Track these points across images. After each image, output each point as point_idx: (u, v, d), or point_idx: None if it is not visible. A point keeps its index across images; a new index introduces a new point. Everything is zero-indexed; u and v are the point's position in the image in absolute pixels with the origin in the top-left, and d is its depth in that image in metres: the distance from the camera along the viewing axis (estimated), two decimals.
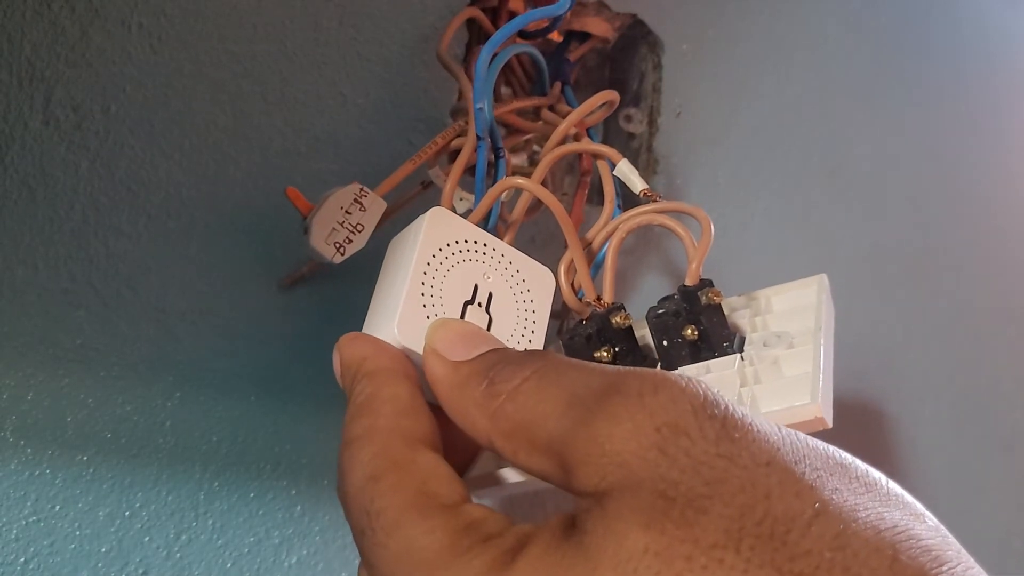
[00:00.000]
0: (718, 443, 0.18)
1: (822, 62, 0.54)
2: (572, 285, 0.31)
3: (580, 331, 0.30)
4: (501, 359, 0.23)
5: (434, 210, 0.28)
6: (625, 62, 0.48)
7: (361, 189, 0.31)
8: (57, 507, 0.31)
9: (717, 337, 0.30)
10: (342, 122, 0.38)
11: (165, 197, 0.34)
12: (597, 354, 0.30)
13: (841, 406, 0.53)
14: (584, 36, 0.45)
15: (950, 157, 0.60)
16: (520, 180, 0.29)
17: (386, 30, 0.39)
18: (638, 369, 0.20)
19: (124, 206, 0.33)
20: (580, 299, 0.31)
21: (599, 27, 0.46)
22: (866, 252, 0.54)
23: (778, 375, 0.28)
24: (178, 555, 0.33)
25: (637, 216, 0.31)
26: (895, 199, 0.56)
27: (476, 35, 0.41)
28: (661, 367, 0.30)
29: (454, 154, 0.34)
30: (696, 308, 0.30)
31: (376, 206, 0.31)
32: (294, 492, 0.36)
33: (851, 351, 0.53)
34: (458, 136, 0.34)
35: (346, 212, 0.30)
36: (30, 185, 0.31)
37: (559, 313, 0.35)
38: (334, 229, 0.30)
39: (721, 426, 0.18)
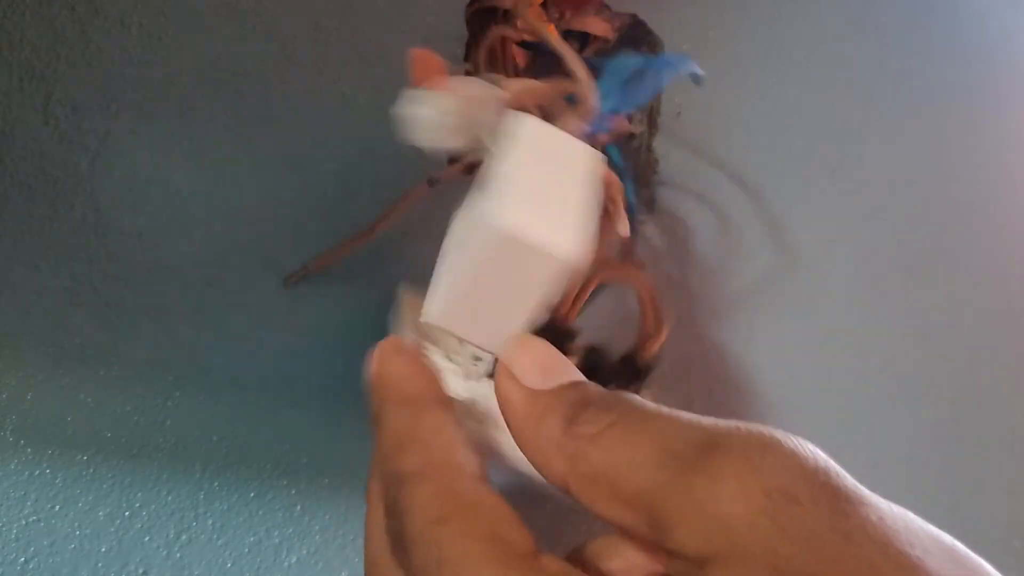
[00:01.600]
0: (832, 516, 0.17)
1: (822, 62, 0.54)
2: None
3: (539, 331, 0.31)
4: (583, 397, 0.22)
5: None
6: None
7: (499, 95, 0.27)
8: (57, 507, 0.31)
9: None
10: (342, 122, 0.38)
11: (165, 197, 0.34)
12: None
13: (841, 407, 0.53)
14: (584, 36, 0.45)
15: (950, 157, 0.60)
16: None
17: (386, 30, 0.39)
18: (740, 425, 0.19)
19: (124, 206, 0.33)
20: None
21: (599, 27, 0.46)
22: (866, 252, 0.54)
23: None
24: (178, 555, 0.33)
25: (638, 280, 0.32)
26: (895, 199, 0.56)
27: (476, 34, 0.41)
28: None
29: None
30: (629, 374, 0.32)
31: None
32: (294, 492, 0.36)
33: (851, 351, 0.53)
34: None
35: (478, 110, 0.27)
36: (30, 185, 0.31)
37: None
38: (463, 121, 0.26)
39: (834, 497, 0.17)
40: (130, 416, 0.33)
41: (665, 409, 0.20)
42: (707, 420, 0.19)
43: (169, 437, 0.34)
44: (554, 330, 0.32)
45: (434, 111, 0.26)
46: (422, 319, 0.26)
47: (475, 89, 0.27)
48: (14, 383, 0.31)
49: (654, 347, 0.31)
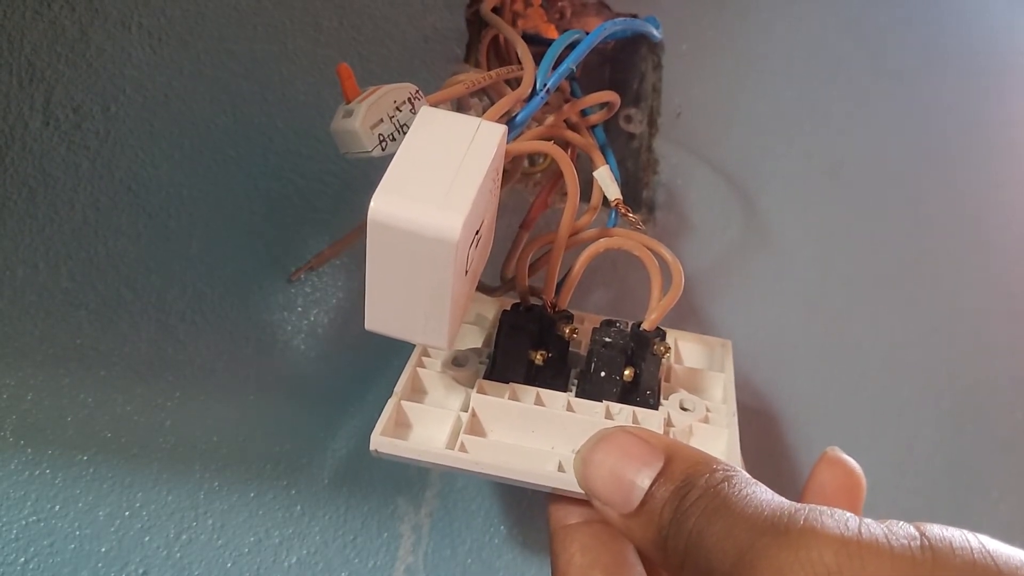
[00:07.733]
0: None
1: (822, 62, 0.54)
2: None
3: (524, 323, 0.31)
4: (668, 511, 0.23)
5: None
6: (625, 62, 0.48)
7: (416, 91, 0.29)
8: (57, 507, 0.31)
9: (645, 385, 0.31)
10: None
11: (165, 197, 0.34)
12: (531, 355, 0.31)
13: (842, 406, 0.53)
14: None
15: (951, 157, 0.60)
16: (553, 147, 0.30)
17: (386, 30, 0.39)
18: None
19: (124, 206, 0.33)
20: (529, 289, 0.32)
21: None
22: (866, 252, 0.54)
23: (692, 444, 0.29)
24: (178, 555, 0.33)
25: (622, 240, 0.32)
26: (895, 199, 0.56)
27: (476, 34, 0.41)
28: (585, 391, 0.31)
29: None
30: (642, 353, 0.31)
31: None
32: (294, 492, 0.36)
33: (852, 350, 0.53)
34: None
35: (397, 109, 0.28)
36: (30, 185, 0.31)
37: (493, 288, 0.36)
38: (382, 121, 0.28)
39: None
40: (130, 416, 0.33)
41: (731, 512, 0.22)
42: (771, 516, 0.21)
43: (169, 437, 0.34)
44: (543, 317, 0.31)
45: (358, 122, 0.27)
46: (366, 327, 0.25)
47: (392, 92, 0.28)
48: (14, 383, 0.31)
49: (668, 305, 0.31)
